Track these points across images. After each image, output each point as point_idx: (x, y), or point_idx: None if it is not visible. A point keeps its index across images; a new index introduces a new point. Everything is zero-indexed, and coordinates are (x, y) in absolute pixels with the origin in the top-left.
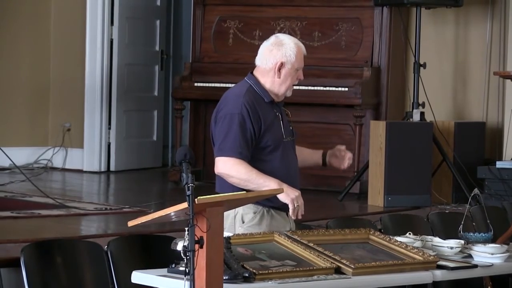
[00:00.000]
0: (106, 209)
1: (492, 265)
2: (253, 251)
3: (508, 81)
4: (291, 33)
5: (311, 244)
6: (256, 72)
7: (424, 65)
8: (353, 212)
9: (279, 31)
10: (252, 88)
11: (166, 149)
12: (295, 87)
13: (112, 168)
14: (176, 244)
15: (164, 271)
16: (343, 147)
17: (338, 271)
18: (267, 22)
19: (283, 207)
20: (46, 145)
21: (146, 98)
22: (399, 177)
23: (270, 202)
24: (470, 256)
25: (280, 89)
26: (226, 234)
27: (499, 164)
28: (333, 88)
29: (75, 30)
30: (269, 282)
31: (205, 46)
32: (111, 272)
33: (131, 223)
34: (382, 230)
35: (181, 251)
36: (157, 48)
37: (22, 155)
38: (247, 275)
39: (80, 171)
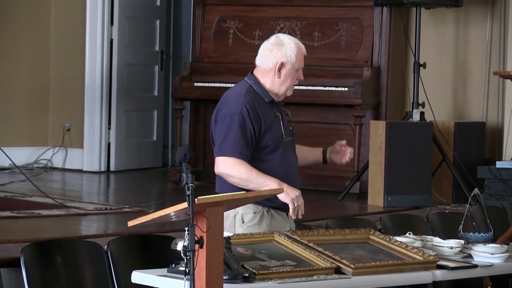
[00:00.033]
0: (106, 209)
1: (492, 265)
2: (253, 251)
3: (508, 81)
4: (291, 33)
5: (311, 244)
6: (256, 72)
7: (424, 65)
8: (353, 212)
9: (279, 31)
10: (252, 88)
11: (166, 149)
12: (295, 87)
13: (112, 168)
14: (176, 244)
15: (164, 271)
16: (343, 142)
17: (338, 271)
18: (267, 22)
19: (283, 207)
20: (46, 145)
21: (146, 98)
22: (399, 177)
23: (270, 202)
24: (470, 256)
25: (280, 89)
26: (226, 234)
27: (499, 164)
28: (333, 88)
29: (75, 30)
30: (269, 282)
31: (205, 46)
32: (111, 272)
33: (131, 223)
34: (382, 230)
35: (181, 251)
36: (157, 48)
37: (22, 155)
38: (247, 275)
39: (80, 171)
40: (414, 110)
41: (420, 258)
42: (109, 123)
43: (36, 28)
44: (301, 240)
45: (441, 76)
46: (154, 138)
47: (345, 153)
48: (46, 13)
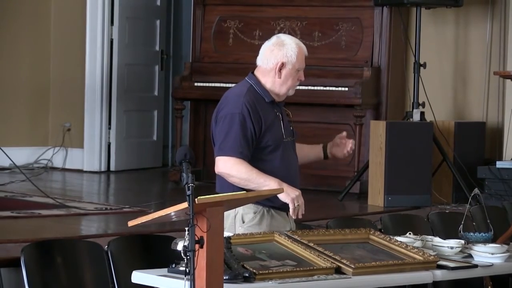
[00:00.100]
0: (106, 209)
1: (492, 265)
2: (253, 251)
3: (508, 81)
4: (291, 33)
5: (311, 244)
6: (257, 72)
7: (424, 65)
8: (353, 212)
9: (279, 31)
10: (253, 88)
11: (166, 149)
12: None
13: (112, 168)
14: (176, 244)
15: (164, 271)
16: (343, 134)
17: (338, 271)
18: (267, 22)
19: (283, 207)
20: (46, 145)
21: (146, 98)
22: (399, 177)
23: (270, 202)
24: (470, 256)
25: (281, 90)
26: (226, 234)
27: (499, 164)
28: (333, 88)
29: (75, 30)
30: (269, 282)
31: (205, 46)
32: (111, 272)
33: (131, 223)
34: (382, 230)
35: (181, 251)
36: (157, 48)
37: (22, 155)
38: (247, 275)
39: (80, 171)
40: (414, 110)
41: (420, 258)
42: (109, 123)
43: (36, 28)
44: (301, 240)
45: (441, 76)
46: (154, 138)
47: (345, 146)
48: (46, 13)
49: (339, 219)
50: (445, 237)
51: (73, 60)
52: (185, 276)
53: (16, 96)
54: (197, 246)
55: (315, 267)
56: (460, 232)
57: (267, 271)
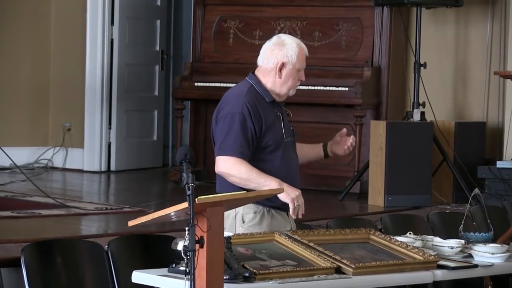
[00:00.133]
0: (106, 209)
1: (492, 265)
2: (253, 251)
3: (508, 81)
4: (292, 33)
5: (311, 244)
6: (257, 72)
7: (424, 65)
8: (353, 212)
9: (280, 31)
10: (253, 88)
11: (166, 149)
12: None
13: (112, 168)
14: (177, 244)
15: (164, 271)
16: (344, 131)
17: (338, 271)
18: (268, 22)
19: (284, 207)
20: (46, 145)
21: (146, 98)
22: (399, 177)
23: (270, 202)
24: (470, 256)
25: (281, 90)
26: (226, 234)
27: (499, 164)
28: (334, 88)
29: (75, 30)
30: (270, 282)
31: (206, 46)
32: (111, 272)
33: (131, 223)
34: (383, 230)
35: (182, 251)
36: (157, 48)
37: (22, 155)
38: (247, 275)
39: (80, 171)
40: (415, 110)
41: (421, 258)
42: (110, 123)
43: (36, 28)
44: (302, 240)
45: (442, 76)
46: (155, 138)
47: (346, 143)
48: (46, 13)
49: (339, 219)
50: (445, 237)
51: (73, 60)
52: (185, 276)
53: (16, 96)
54: (197, 246)
55: (315, 267)
56: (461, 232)
57: (267, 271)
